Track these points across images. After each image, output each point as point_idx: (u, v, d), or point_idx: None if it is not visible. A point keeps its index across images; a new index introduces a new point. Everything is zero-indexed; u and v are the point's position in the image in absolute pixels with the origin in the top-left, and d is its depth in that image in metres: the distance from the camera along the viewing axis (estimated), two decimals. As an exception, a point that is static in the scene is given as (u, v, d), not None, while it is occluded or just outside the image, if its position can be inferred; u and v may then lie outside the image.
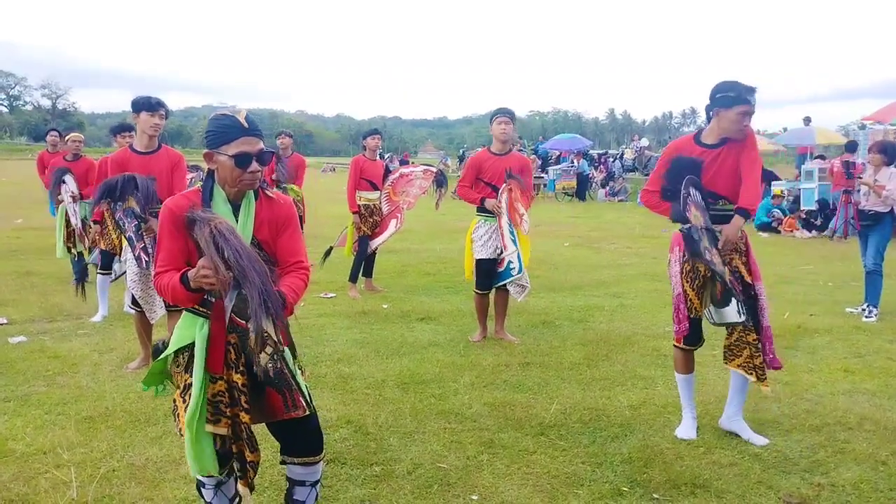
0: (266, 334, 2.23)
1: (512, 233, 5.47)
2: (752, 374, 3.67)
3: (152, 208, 4.26)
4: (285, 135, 8.52)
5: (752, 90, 3.57)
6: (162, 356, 2.45)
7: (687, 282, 3.74)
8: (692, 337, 3.81)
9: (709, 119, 3.73)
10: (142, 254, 4.45)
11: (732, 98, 3.55)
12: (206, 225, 2.19)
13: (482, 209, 5.55)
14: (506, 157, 5.55)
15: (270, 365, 2.36)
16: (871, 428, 3.93)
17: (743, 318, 3.61)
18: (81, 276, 5.98)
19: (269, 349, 2.34)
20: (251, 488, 2.43)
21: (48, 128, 8.48)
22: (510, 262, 5.48)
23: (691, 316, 3.75)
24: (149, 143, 4.66)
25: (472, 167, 5.65)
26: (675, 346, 3.91)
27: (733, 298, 3.61)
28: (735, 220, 3.62)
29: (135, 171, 4.51)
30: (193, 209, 2.28)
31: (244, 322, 2.34)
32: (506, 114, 5.55)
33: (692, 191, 3.55)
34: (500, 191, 5.46)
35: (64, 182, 7.17)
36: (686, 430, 3.83)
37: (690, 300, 3.73)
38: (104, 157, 6.43)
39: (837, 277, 8.90)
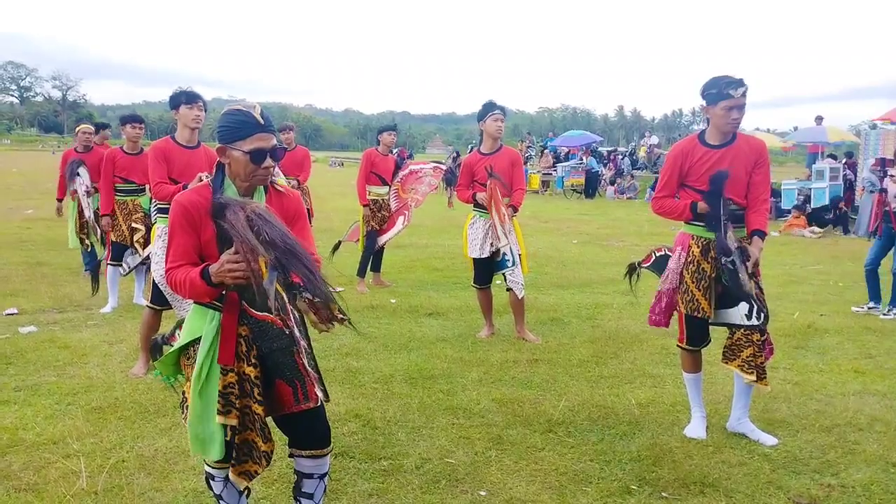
0: (331, 299, 2.18)
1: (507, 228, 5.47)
2: (751, 373, 3.64)
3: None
4: (288, 129, 8.51)
5: (734, 83, 3.52)
6: (174, 347, 2.45)
7: (693, 282, 3.71)
8: (697, 337, 3.81)
9: (708, 120, 3.74)
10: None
11: (714, 94, 3.56)
12: (240, 209, 2.14)
13: (476, 205, 5.56)
14: (497, 154, 5.53)
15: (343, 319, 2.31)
16: (882, 429, 3.91)
17: (758, 322, 3.61)
18: (95, 269, 6.00)
19: (337, 311, 2.29)
20: (249, 477, 2.42)
21: (99, 122, 8.48)
22: (504, 253, 5.47)
23: (698, 316, 3.73)
24: (190, 137, 4.59)
25: (467, 170, 5.66)
26: (678, 346, 3.90)
27: (743, 303, 3.60)
28: (756, 242, 3.64)
29: (176, 163, 4.51)
30: (222, 197, 2.25)
31: (257, 312, 2.34)
32: (500, 109, 5.53)
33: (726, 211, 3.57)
34: (486, 186, 5.46)
35: (78, 174, 7.22)
36: (695, 429, 3.81)
37: (697, 300, 3.71)
38: (110, 150, 6.46)
39: (848, 277, 8.84)
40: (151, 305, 4.63)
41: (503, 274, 5.56)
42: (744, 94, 3.54)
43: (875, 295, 7.00)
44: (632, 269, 4.22)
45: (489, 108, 5.51)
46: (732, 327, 3.74)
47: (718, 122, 3.60)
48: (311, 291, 2.12)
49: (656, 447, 3.63)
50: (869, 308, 6.96)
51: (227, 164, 2.37)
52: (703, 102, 3.65)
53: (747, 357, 3.66)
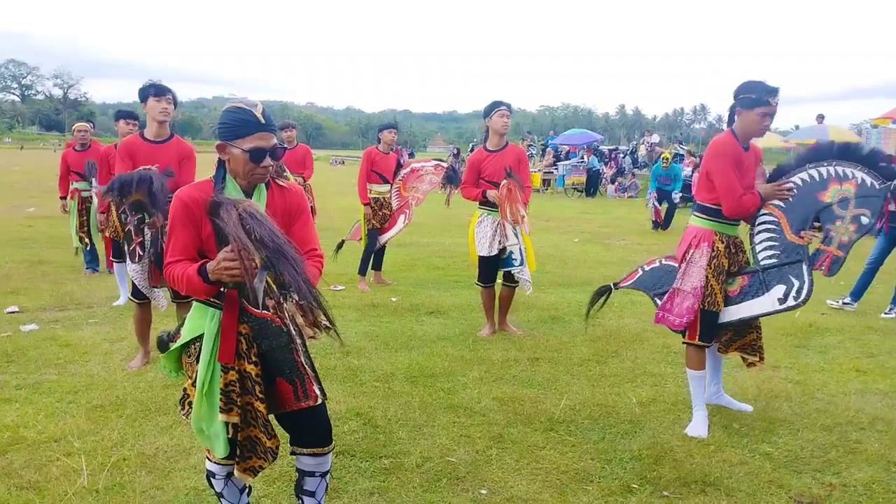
0: (315, 304, 2.19)
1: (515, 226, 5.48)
2: (755, 354, 3.89)
3: (158, 205, 4.09)
4: (290, 127, 8.52)
5: (773, 91, 3.61)
6: (176, 345, 2.46)
7: (713, 277, 3.76)
8: (711, 333, 3.84)
9: (732, 119, 3.76)
10: (138, 248, 4.40)
11: (753, 99, 3.61)
12: (233, 208, 2.14)
13: (485, 203, 5.54)
14: (503, 152, 5.52)
15: (328, 331, 2.33)
16: (884, 428, 3.91)
17: (794, 302, 3.72)
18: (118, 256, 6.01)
19: (322, 317, 2.30)
20: (254, 473, 2.43)
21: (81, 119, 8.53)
22: (511, 252, 5.48)
23: (714, 311, 3.78)
24: (158, 130, 4.50)
25: (473, 167, 5.61)
26: (688, 343, 3.88)
27: (778, 286, 3.72)
28: None
29: (141, 159, 4.43)
30: (217, 195, 2.25)
31: (256, 310, 2.34)
32: (507, 106, 5.52)
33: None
34: (500, 185, 5.44)
35: (94, 176, 7.24)
36: (697, 427, 3.81)
37: (715, 295, 3.76)
38: (106, 147, 6.49)
39: (850, 276, 8.81)
40: (132, 299, 4.68)
41: (509, 271, 5.59)
42: (777, 103, 3.64)
43: (858, 292, 7.01)
44: (603, 293, 4.23)
45: (495, 104, 5.49)
46: (752, 319, 3.85)
47: (751, 126, 3.66)
48: (297, 293, 2.12)
49: (657, 446, 3.63)
50: (844, 303, 7.01)
51: (226, 161, 2.37)
52: (738, 105, 3.67)
53: (751, 341, 3.86)
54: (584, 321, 4.31)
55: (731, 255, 3.79)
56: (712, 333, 3.83)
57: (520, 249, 5.46)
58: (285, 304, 2.33)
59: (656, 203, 14.25)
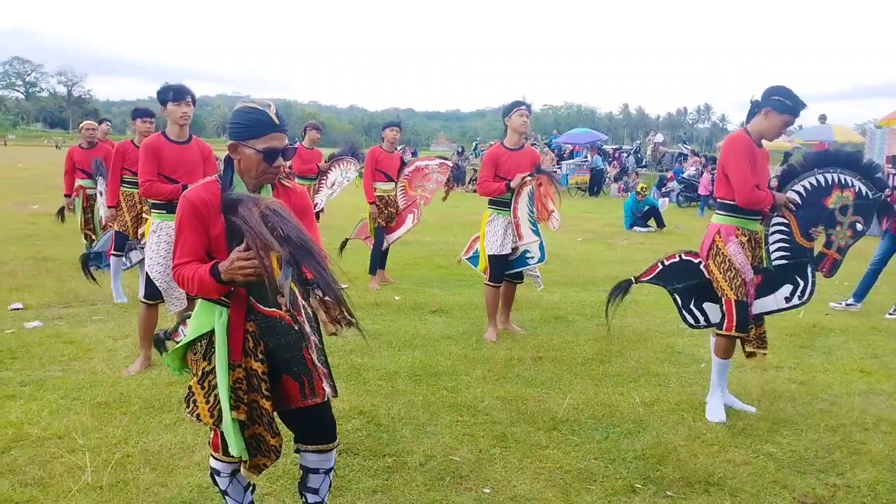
0: (340, 299, 2.16)
1: (534, 224, 5.47)
2: (763, 346, 4.07)
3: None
4: (316, 128, 8.55)
5: (804, 106, 3.78)
6: (182, 342, 2.45)
7: (741, 269, 3.88)
8: (747, 322, 3.94)
9: (752, 115, 3.84)
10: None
11: (788, 106, 3.73)
12: (254, 205, 2.11)
13: (494, 202, 5.51)
14: (521, 151, 5.51)
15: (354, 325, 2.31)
16: (888, 429, 3.90)
17: (799, 301, 3.93)
18: (85, 262, 5.96)
19: (346, 313, 2.30)
20: (259, 471, 2.43)
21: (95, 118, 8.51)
22: (527, 250, 5.48)
23: (746, 300, 3.89)
24: (180, 132, 4.56)
25: (491, 162, 5.53)
26: (723, 334, 3.96)
27: (786, 285, 3.92)
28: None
29: (167, 159, 4.47)
30: (233, 193, 2.23)
31: (265, 308, 2.33)
32: (527, 106, 5.51)
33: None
34: (523, 179, 5.42)
35: (102, 175, 7.23)
36: (716, 411, 3.96)
37: (746, 286, 3.87)
38: (121, 143, 6.46)
39: (853, 276, 8.80)
40: (145, 300, 4.61)
41: (522, 271, 5.63)
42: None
43: (862, 293, 7.01)
44: (623, 287, 4.18)
45: (515, 104, 5.49)
46: (763, 317, 4.02)
47: (770, 129, 3.80)
48: (323, 289, 2.11)
49: (661, 446, 3.63)
50: (847, 304, 7.00)
51: (236, 161, 2.36)
52: (769, 104, 3.74)
53: (761, 333, 4.02)
54: (602, 317, 4.37)
55: (752, 248, 3.92)
56: (747, 323, 3.92)
57: (539, 246, 5.48)
58: (302, 302, 2.31)
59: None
